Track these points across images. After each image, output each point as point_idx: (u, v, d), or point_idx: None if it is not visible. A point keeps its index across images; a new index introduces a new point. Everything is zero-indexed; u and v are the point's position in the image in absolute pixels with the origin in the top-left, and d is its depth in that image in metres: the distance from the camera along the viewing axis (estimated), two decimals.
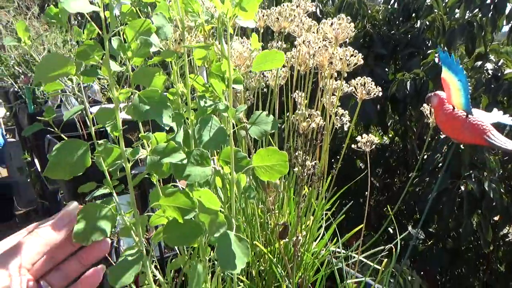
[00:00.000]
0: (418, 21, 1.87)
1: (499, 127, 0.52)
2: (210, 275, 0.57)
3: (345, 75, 0.61)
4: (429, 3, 1.81)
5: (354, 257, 0.74)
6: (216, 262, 0.57)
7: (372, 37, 1.87)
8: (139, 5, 0.39)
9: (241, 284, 0.67)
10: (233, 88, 0.44)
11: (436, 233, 1.76)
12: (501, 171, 1.58)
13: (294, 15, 0.61)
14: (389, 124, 2.06)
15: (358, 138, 0.65)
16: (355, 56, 0.59)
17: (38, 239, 0.34)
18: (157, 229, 0.53)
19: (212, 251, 0.52)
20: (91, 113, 0.44)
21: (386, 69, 1.92)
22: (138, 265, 0.38)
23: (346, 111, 0.66)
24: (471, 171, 1.51)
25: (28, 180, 2.49)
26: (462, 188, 1.51)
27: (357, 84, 0.63)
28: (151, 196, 0.47)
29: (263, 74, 0.73)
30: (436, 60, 1.60)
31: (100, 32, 0.37)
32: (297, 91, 0.73)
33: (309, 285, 0.73)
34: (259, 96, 0.74)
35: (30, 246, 0.34)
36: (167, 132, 0.45)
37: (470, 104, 0.49)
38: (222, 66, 0.42)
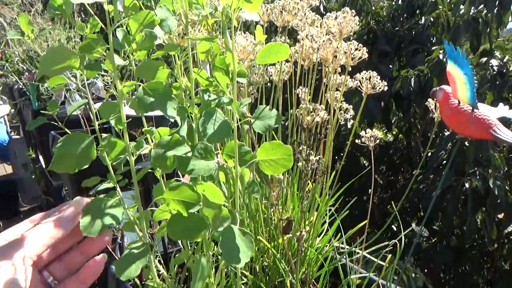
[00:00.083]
0: (423, 18, 1.86)
1: (505, 122, 0.52)
2: (213, 270, 0.57)
3: (350, 69, 0.61)
4: None
5: (358, 253, 0.73)
6: (219, 257, 0.57)
7: (376, 34, 1.86)
8: None
9: (245, 279, 0.67)
10: (237, 82, 0.44)
11: (440, 230, 1.75)
12: (506, 168, 1.57)
13: (298, 9, 0.61)
14: (393, 121, 2.05)
15: (362, 133, 0.65)
16: (359, 50, 0.59)
17: (43, 232, 0.35)
18: (160, 224, 0.53)
19: (215, 246, 0.52)
20: (94, 109, 0.44)
21: (390, 66, 1.91)
22: (145, 257, 0.38)
23: (351, 106, 0.66)
24: (475, 168, 1.50)
25: (33, 176, 2.50)
26: (467, 185, 1.50)
27: (362, 78, 0.62)
28: (155, 191, 0.47)
29: (266, 69, 0.73)
30: (441, 56, 1.59)
31: (104, 27, 0.37)
32: (300, 87, 0.73)
33: (313, 280, 0.73)
34: (262, 92, 0.74)
35: (35, 238, 0.34)
36: (170, 128, 0.45)
37: (476, 98, 0.49)
38: (226, 59, 0.41)
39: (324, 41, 0.59)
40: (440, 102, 0.53)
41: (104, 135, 0.40)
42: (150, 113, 0.38)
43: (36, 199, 2.83)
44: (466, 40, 1.76)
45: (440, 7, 1.77)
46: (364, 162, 2.10)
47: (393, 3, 1.96)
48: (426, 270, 1.73)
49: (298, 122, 0.70)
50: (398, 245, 0.66)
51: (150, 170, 0.48)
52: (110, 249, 0.93)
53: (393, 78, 1.77)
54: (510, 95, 1.55)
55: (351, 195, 0.80)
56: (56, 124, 0.50)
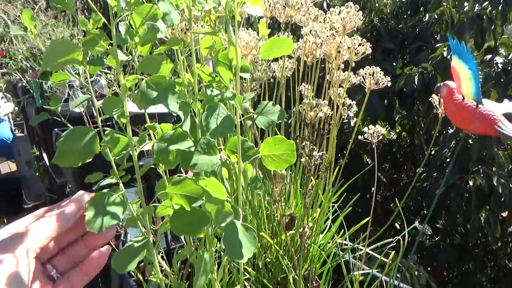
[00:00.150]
0: (427, 15, 1.85)
1: (510, 118, 0.51)
2: (216, 266, 0.57)
3: (353, 64, 0.61)
4: None
5: (361, 249, 0.73)
6: (222, 253, 0.57)
7: (380, 31, 1.85)
8: None
9: (248, 275, 0.67)
10: (240, 77, 0.44)
11: (443, 228, 1.75)
12: (510, 167, 1.56)
13: (301, 3, 0.60)
14: (396, 119, 2.05)
15: (365, 129, 0.65)
16: (363, 45, 0.59)
17: (46, 225, 0.35)
18: (163, 220, 0.53)
19: (218, 242, 0.52)
20: (97, 105, 0.44)
21: (394, 64, 1.90)
22: (143, 251, 0.38)
23: (354, 102, 0.66)
24: (479, 166, 1.49)
25: (37, 174, 2.51)
26: (470, 183, 1.49)
27: (365, 74, 0.62)
28: (158, 187, 0.47)
29: (269, 65, 0.73)
30: (445, 53, 1.58)
31: (107, 22, 0.37)
32: (303, 84, 0.73)
33: (316, 277, 0.73)
34: (265, 89, 0.73)
35: (38, 231, 0.34)
36: (173, 124, 0.45)
37: (481, 93, 0.48)
38: (229, 54, 0.41)
39: (327, 36, 0.59)
40: (444, 97, 0.53)
41: (107, 128, 0.40)
42: (153, 110, 0.38)
43: (40, 196, 2.84)
44: (471, 37, 1.74)
45: (444, 4, 1.76)
46: (367, 160, 2.09)
47: (397, 0, 1.95)
48: (429, 268, 1.72)
49: (301, 119, 0.70)
50: (401, 241, 0.65)
51: (153, 166, 0.48)
52: (114, 246, 0.93)
53: (396, 76, 1.76)
54: None
55: (354, 193, 0.80)
56: (60, 121, 0.50)
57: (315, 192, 0.72)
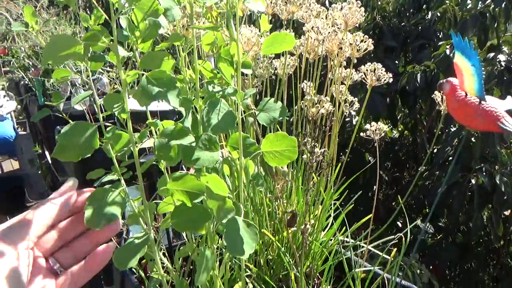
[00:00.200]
0: (429, 13, 1.84)
1: None
2: (218, 263, 0.57)
3: (355, 61, 0.60)
4: None
5: (363, 247, 0.73)
6: (224, 250, 0.57)
7: (382, 29, 1.84)
8: None
9: (249, 272, 0.67)
10: (241, 73, 0.44)
11: (445, 227, 1.74)
12: None
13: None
14: (398, 117, 2.04)
15: (367, 126, 0.65)
16: (365, 42, 0.59)
17: (41, 213, 0.35)
18: (165, 217, 0.53)
19: (220, 239, 0.52)
20: (99, 101, 0.44)
21: (396, 62, 1.89)
22: (144, 248, 0.38)
23: (356, 98, 0.66)
24: (482, 165, 1.48)
25: (39, 172, 2.52)
26: (473, 181, 1.49)
27: (367, 70, 0.62)
28: (159, 184, 0.46)
29: (271, 62, 0.73)
30: (448, 51, 1.57)
31: (108, 18, 0.37)
32: (305, 81, 0.73)
33: (317, 274, 0.73)
34: (267, 86, 0.73)
35: (34, 220, 0.34)
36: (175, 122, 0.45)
37: (484, 90, 0.48)
38: (230, 50, 0.41)
39: (329, 32, 0.59)
40: (447, 94, 0.53)
41: (108, 125, 0.40)
42: (154, 108, 0.38)
43: (42, 194, 2.85)
44: (473, 35, 1.73)
45: (447, 1, 1.75)
46: (369, 158, 2.09)
47: None
48: (431, 267, 1.72)
49: (303, 116, 0.69)
50: (403, 239, 0.65)
51: (154, 163, 0.48)
52: (116, 243, 0.94)
53: (399, 74, 1.75)
54: None
55: (355, 191, 0.79)
56: (62, 119, 0.50)
57: (316, 189, 0.72)
